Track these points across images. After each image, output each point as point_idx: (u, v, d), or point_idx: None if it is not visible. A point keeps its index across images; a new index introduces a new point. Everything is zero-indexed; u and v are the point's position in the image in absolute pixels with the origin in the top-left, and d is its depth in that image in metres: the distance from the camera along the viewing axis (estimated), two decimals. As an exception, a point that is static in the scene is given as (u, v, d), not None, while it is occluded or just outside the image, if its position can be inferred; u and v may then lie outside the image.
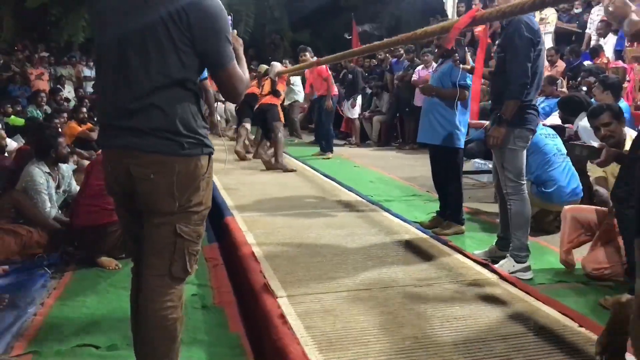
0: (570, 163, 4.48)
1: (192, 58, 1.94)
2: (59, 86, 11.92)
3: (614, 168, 3.42)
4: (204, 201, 2.04)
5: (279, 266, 3.31)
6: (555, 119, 5.87)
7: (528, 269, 3.44)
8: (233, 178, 6.36)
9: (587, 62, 7.68)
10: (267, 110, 7.41)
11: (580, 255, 3.60)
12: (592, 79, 6.16)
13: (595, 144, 4.76)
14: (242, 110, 8.37)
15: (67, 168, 4.61)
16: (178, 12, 1.88)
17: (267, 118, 7.37)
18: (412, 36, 3.93)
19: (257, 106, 7.68)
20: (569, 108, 5.25)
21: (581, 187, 4.45)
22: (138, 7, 1.93)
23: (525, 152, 3.51)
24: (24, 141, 6.14)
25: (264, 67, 8.58)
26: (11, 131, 7.36)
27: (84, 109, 7.79)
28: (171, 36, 1.89)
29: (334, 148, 8.98)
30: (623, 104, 4.83)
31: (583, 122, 4.89)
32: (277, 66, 8.00)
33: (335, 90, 8.69)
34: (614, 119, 3.42)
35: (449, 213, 4.40)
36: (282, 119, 7.74)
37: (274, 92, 7.61)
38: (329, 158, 8.51)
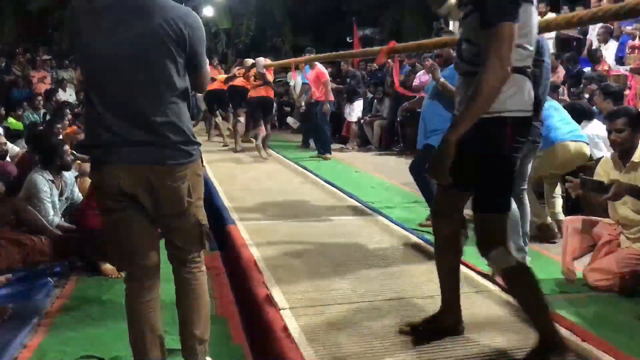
0: (565, 113, 4.66)
1: (183, 66, 2.11)
2: (52, 87, 11.91)
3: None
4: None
5: (282, 277, 3.31)
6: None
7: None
8: (235, 185, 6.37)
9: (587, 69, 7.70)
10: (267, 104, 8.59)
11: (582, 265, 3.61)
12: (594, 86, 6.17)
13: (600, 153, 4.77)
14: (235, 100, 9.42)
15: (70, 175, 4.62)
16: (170, 25, 2.00)
17: (266, 111, 8.62)
18: (366, 52, 6.01)
19: (254, 96, 8.46)
20: (572, 115, 5.27)
21: (581, 131, 4.65)
22: (133, 24, 1.99)
23: (526, 160, 3.54)
24: (25, 147, 6.12)
25: (250, 60, 9.20)
26: (12, 135, 7.38)
27: (67, 111, 7.87)
28: (170, 49, 2.02)
29: (332, 152, 9.26)
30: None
31: (586, 130, 4.91)
32: (262, 61, 8.73)
33: (331, 95, 8.94)
34: (628, 126, 3.38)
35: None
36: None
37: (267, 83, 8.49)
38: (328, 159, 8.84)
